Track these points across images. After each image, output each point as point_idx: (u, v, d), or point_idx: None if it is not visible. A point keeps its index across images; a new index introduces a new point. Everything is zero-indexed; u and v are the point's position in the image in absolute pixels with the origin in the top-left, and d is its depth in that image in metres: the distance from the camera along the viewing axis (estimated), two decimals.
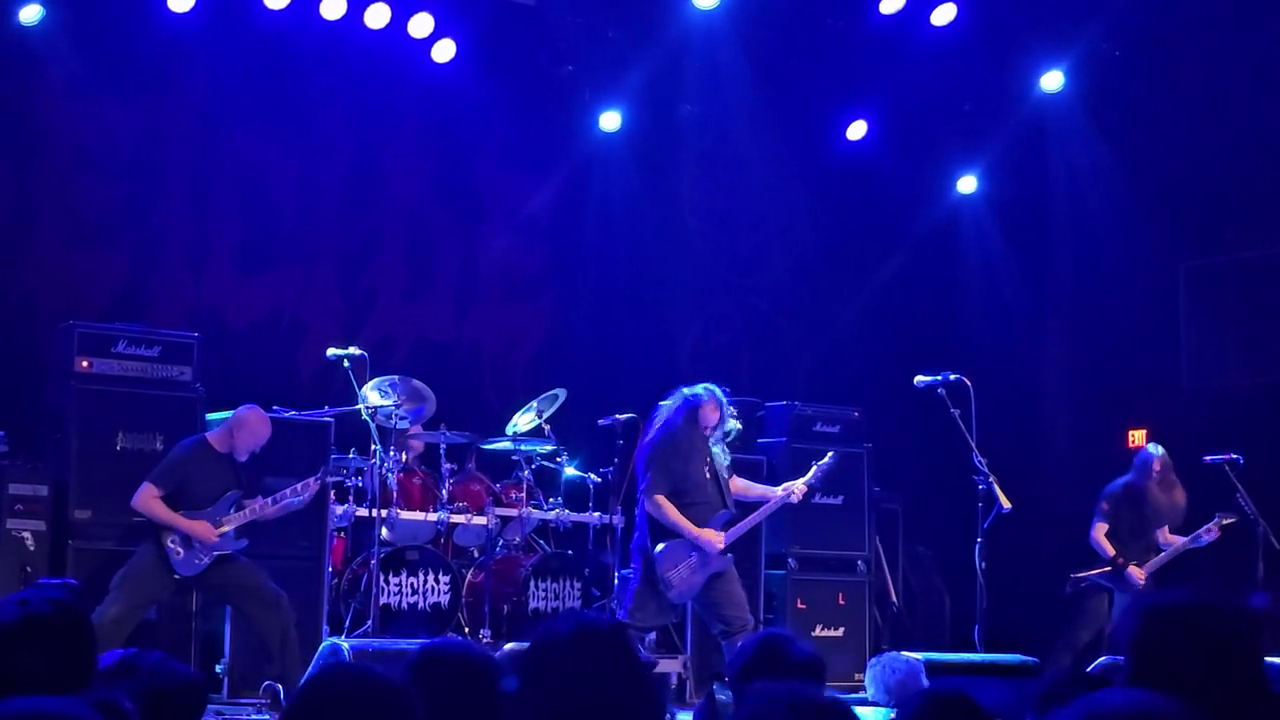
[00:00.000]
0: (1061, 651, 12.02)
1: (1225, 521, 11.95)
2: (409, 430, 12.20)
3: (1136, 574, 11.95)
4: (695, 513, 10.16)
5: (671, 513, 10.10)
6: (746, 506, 10.63)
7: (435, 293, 14.71)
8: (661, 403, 10.63)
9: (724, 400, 10.37)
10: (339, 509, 11.55)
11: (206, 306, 13.30)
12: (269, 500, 10.40)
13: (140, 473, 10.37)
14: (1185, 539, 12.03)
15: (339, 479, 11.37)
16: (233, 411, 10.72)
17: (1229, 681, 3.46)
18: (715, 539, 10.10)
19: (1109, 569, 11.99)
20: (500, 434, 12.55)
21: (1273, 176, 13.89)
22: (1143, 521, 12.12)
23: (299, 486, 10.46)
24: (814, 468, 10.74)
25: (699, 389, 10.33)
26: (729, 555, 10.28)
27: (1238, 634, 3.56)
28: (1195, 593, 3.64)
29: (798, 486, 10.62)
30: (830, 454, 10.88)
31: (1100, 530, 12.10)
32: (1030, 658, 11.46)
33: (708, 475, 10.27)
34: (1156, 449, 12.26)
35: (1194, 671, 3.46)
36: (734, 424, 10.50)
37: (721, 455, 10.41)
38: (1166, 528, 12.16)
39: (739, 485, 10.62)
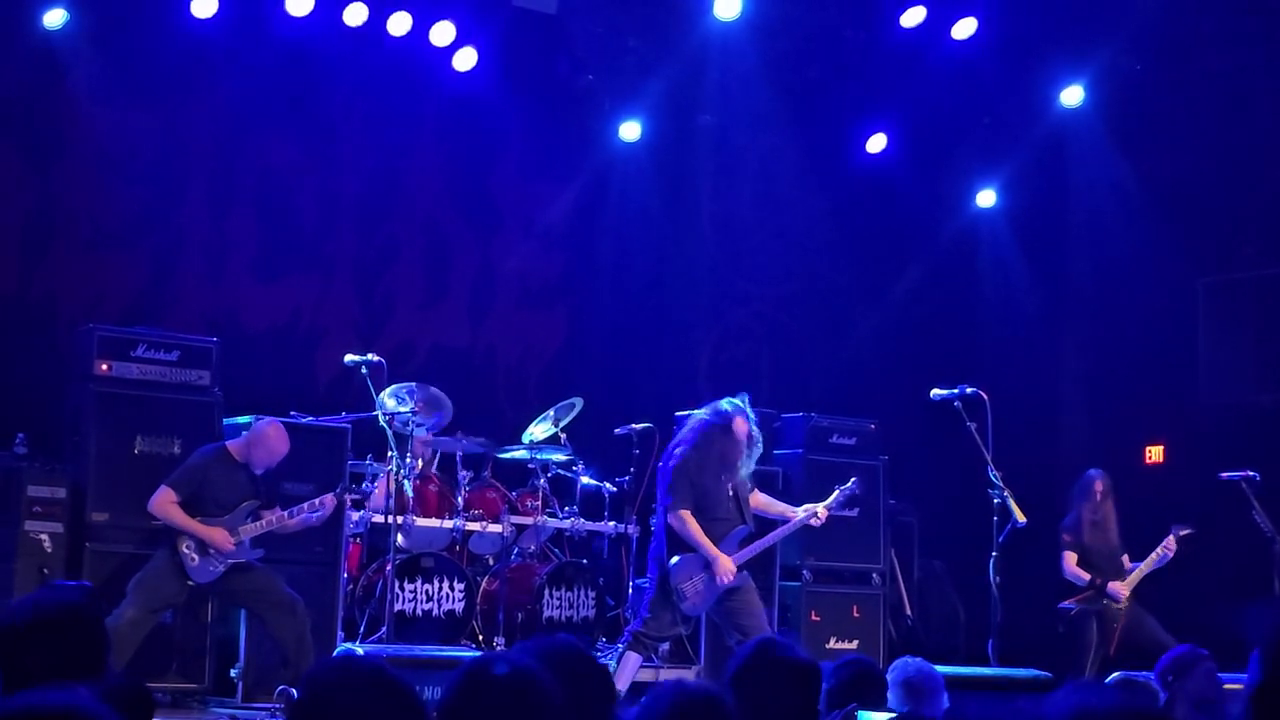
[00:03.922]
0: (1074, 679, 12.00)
1: (1182, 533, 11.94)
2: (424, 438, 12.22)
3: (1118, 588, 11.93)
4: (714, 528, 10.19)
5: (694, 529, 10.12)
6: (764, 523, 10.64)
7: (452, 300, 14.73)
8: (687, 413, 10.67)
9: (752, 414, 10.39)
10: (355, 515, 11.57)
11: (225, 311, 13.33)
12: (286, 514, 10.41)
13: (158, 476, 10.40)
14: (1148, 561, 12.00)
15: (358, 495, 11.39)
16: (252, 418, 10.76)
17: None
18: (727, 569, 10.11)
19: (1090, 593, 11.97)
20: (516, 442, 12.58)
21: None
22: (1105, 544, 12.11)
23: (316, 502, 10.47)
24: (836, 492, 10.75)
25: (730, 404, 10.35)
26: (744, 570, 10.31)
27: None
28: None
29: (820, 511, 10.63)
30: (853, 480, 10.88)
31: (1070, 560, 12.07)
32: (1044, 672, 11.47)
33: (730, 491, 10.29)
34: (1096, 471, 12.28)
35: None
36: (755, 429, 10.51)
37: (746, 469, 10.43)
38: (1126, 555, 12.14)
39: (760, 501, 10.63)
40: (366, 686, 3.05)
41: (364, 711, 3.02)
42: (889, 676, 6.63)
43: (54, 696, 3.00)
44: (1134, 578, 12.00)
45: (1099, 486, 12.17)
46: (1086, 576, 11.99)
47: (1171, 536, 11.93)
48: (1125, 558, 12.14)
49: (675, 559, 10.20)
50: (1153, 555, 11.98)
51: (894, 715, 5.83)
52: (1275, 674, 3.43)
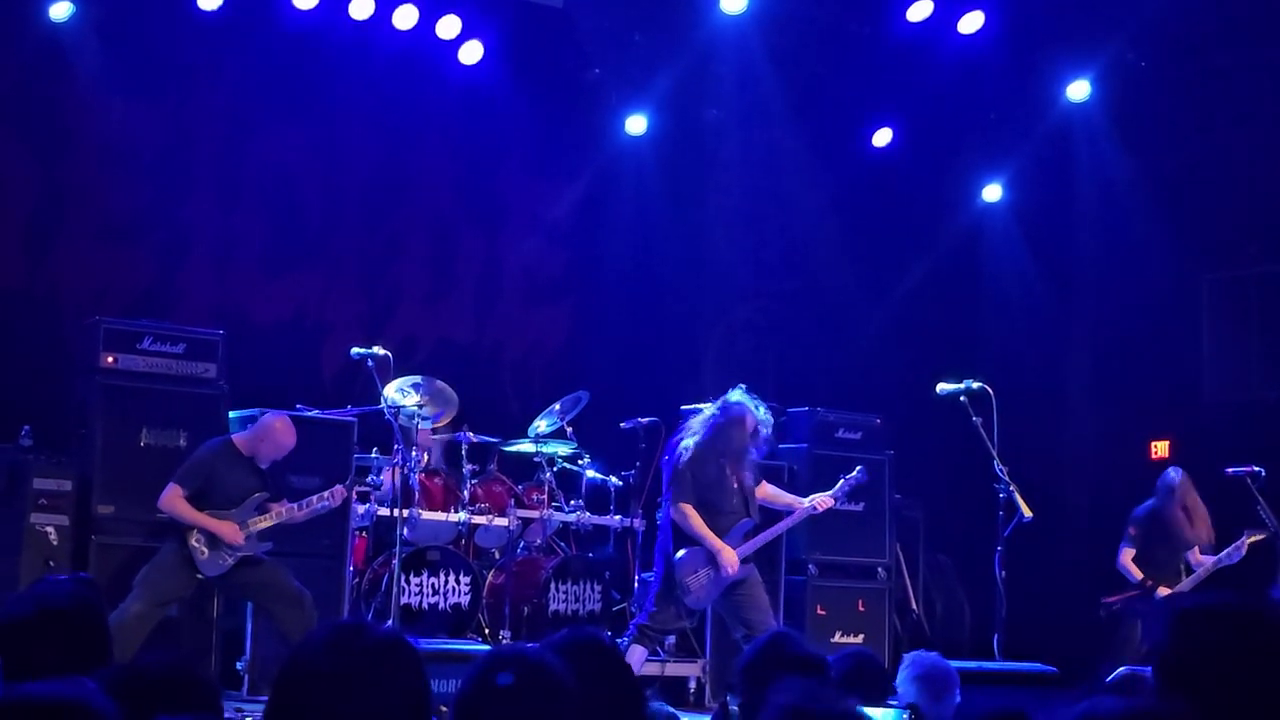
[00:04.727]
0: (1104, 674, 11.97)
1: (1253, 539, 11.91)
2: (431, 431, 12.22)
3: (1166, 594, 11.93)
4: (719, 521, 10.20)
5: (696, 522, 10.13)
6: (770, 515, 10.65)
7: (457, 295, 14.73)
8: (692, 406, 10.69)
9: (762, 407, 10.41)
10: (360, 508, 11.58)
11: (232, 304, 13.33)
12: (295, 506, 10.42)
13: (164, 469, 10.41)
14: (1214, 559, 12.00)
15: (367, 489, 11.39)
16: (258, 411, 10.76)
17: (1264, 686, 3.36)
18: (732, 561, 10.12)
19: (1138, 592, 11.98)
20: (522, 436, 12.58)
21: None
22: (1171, 544, 12.10)
23: (326, 494, 10.48)
24: (841, 481, 10.78)
25: (737, 398, 10.37)
26: (749, 564, 10.33)
27: (1273, 636, 3.45)
28: (1226, 595, 3.56)
29: (822, 501, 10.66)
30: (858, 469, 10.90)
31: (1127, 555, 12.08)
32: (1049, 667, 11.46)
33: (735, 485, 10.30)
34: (1177, 471, 12.25)
35: (1226, 675, 3.38)
36: (765, 415, 10.52)
37: (751, 462, 10.45)
38: (1197, 548, 12.13)
39: (766, 492, 10.65)
40: (371, 649, 3.03)
41: (366, 674, 3.00)
42: (905, 670, 6.63)
43: (55, 689, 3.00)
44: (1189, 582, 11.99)
45: (1178, 489, 12.09)
46: (1139, 575, 11.98)
47: (1244, 540, 11.92)
48: (1195, 550, 12.11)
49: (680, 553, 10.22)
50: (1214, 559, 11.94)
51: (895, 711, 5.83)
52: (1172, 649, 3.51)
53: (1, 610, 4.48)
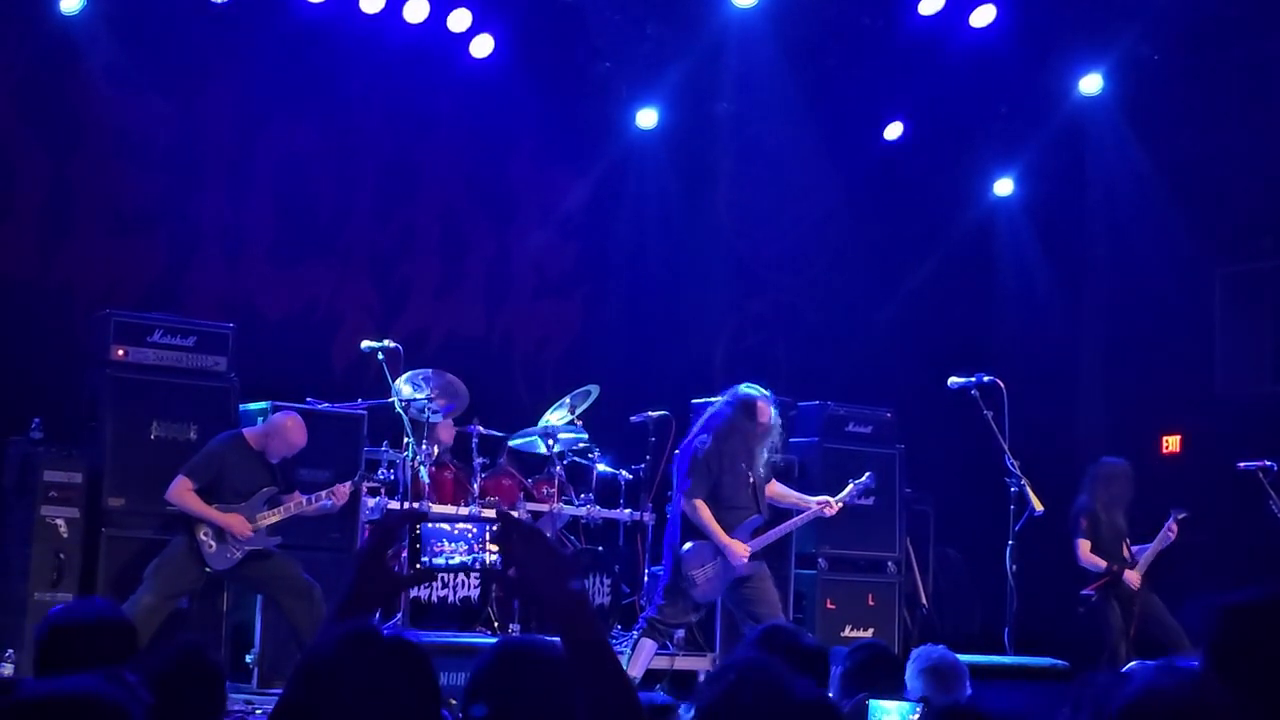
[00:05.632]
0: (1109, 664, 12.00)
1: (1180, 517, 12.04)
2: (440, 424, 12.22)
3: (1132, 578, 11.99)
4: (729, 516, 10.21)
5: (706, 518, 10.15)
6: (779, 512, 10.65)
7: (468, 288, 14.73)
8: (703, 400, 10.69)
9: (773, 402, 10.44)
10: (371, 501, 11.57)
11: (242, 297, 13.33)
12: (306, 500, 10.43)
13: (174, 462, 10.42)
14: (1151, 545, 12.06)
15: (375, 483, 11.40)
16: (267, 405, 10.77)
17: None
18: (741, 551, 10.13)
19: (1108, 579, 12.00)
20: (532, 429, 12.57)
21: None
22: (1115, 531, 12.17)
23: (337, 489, 10.47)
24: (850, 485, 10.81)
25: (749, 389, 10.37)
26: (760, 559, 10.33)
27: None
28: (1271, 590, 3.57)
29: (828, 505, 10.67)
30: (867, 475, 10.94)
31: (1085, 548, 12.13)
32: (1060, 661, 11.46)
33: (748, 480, 10.30)
34: (1117, 458, 12.30)
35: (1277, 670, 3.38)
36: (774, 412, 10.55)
37: (764, 456, 10.45)
38: (1126, 540, 12.21)
39: (775, 491, 10.65)
40: (381, 653, 3.08)
41: (376, 678, 3.04)
42: (913, 665, 6.62)
43: (79, 683, 3.01)
44: (1143, 564, 12.04)
45: (1118, 475, 12.20)
46: (1103, 564, 12.03)
47: (1172, 520, 12.00)
48: (1125, 542, 12.18)
49: (687, 545, 10.23)
50: (1157, 541, 12.02)
51: (908, 704, 5.81)
52: (1221, 644, 3.52)
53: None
